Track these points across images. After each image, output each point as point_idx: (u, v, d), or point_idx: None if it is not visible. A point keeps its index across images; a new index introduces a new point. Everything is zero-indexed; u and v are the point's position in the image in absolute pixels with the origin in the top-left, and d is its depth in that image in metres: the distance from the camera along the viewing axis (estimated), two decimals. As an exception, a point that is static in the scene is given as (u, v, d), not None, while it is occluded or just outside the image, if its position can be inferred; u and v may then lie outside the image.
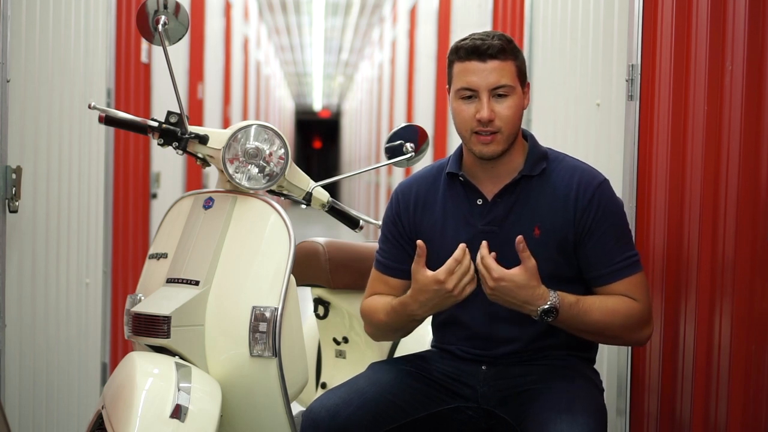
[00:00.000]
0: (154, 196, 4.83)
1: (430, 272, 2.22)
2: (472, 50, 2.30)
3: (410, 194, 2.47)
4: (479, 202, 2.38)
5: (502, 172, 2.37)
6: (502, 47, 2.30)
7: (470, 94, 2.31)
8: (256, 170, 2.52)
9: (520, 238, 2.19)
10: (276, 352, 2.36)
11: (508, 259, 2.25)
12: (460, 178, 2.40)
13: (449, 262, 2.21)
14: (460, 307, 2.34)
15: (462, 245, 2.22)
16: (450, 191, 2.42)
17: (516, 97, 2.32)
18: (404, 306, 2.31)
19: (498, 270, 2.18)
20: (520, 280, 2.18)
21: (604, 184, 2.35)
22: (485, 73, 2.29)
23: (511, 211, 2.35)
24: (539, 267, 2.20)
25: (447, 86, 2.40)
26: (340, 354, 3.10)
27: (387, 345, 3.04)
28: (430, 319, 2.52)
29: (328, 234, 11.36)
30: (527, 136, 2.42)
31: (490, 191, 2.38)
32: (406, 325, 2.38)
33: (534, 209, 2.34)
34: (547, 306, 2.20)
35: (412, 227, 2.44)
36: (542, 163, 2.37)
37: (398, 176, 8.84)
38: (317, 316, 3.11)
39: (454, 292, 2.21)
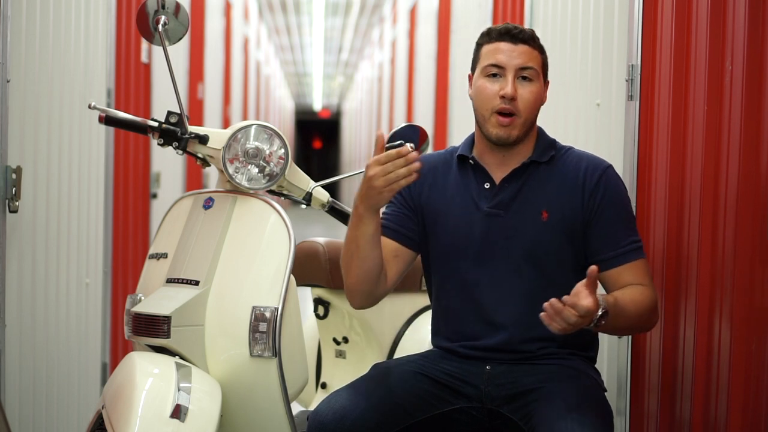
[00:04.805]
0: (154, 196, 4.83)
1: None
2: (505, 32, 2.38)
3: (423, 167, 2.46)
4: (487, 185, 2.41)
5: (512, 159, 2.42)
6: (532, 36, 2.40)
7: (496, 72, 2.37)
8: (256, 170, 2.52)
9: (593, 268, 2.08)
10: (276, 352, 2.36)
11: (512, 244, 2.35)
12: (471, 161, 2.44)
13: (389, 153, 2.17)
14: (456, 298, 2.39)
15: (409, 146, 2.21)
16: (460, 173, 2.45)
17: (539, 85, 2.39)
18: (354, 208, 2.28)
19: (585, 305, 2.06)
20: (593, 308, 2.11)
21: (610, 169, 2.40)
22: (515, 53, 2.36)
23: (517, 195, 2.39)
24: (548, 254, 2.20)
25: (470, 72, 2.45)
26: (340, 354, 3.10)
27: (387, 345, 3.04)
28: (430, 318, 2.52)
29: (328, 234, 11.34)
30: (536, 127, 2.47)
31: (498, 175, 2.42)
32: (357, 245, 2.28)
33: (541, 195, 2.38)
34: (600, 312, 2.13)
35: (418, 198, 2.45)
36: (550, 150, 2.43)
37: (398, 176, 8.82)
38: (317, 316, 3.11)
39: (373, 181, 2.17)
